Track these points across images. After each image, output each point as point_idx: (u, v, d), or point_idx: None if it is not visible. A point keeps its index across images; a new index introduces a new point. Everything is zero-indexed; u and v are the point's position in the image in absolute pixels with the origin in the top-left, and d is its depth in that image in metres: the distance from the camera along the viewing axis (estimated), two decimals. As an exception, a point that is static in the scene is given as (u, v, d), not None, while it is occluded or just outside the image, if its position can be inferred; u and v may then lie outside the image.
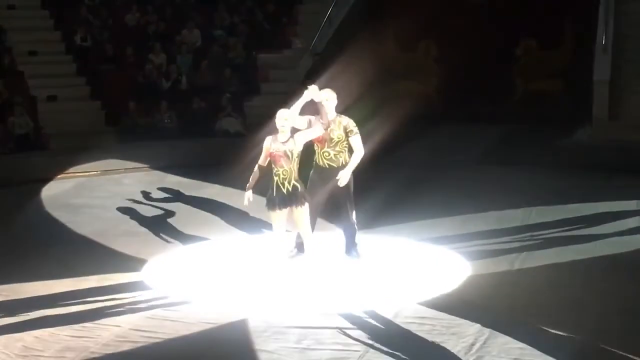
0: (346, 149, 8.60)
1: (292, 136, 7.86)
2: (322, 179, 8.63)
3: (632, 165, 13.07)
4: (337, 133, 8.51)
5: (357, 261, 8.75)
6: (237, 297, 7.86)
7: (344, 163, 8.58)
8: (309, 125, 8.29)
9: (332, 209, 8.80)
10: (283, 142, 7.83)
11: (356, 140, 8.57)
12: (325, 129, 8.27)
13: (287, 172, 7.83)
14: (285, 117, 7.84)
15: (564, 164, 13.57)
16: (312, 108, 8.40)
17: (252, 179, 7.99)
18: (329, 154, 8.52)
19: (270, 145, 7.87)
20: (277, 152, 7.81)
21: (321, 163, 8.66)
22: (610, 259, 8.89)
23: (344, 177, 8.43)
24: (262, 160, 7.97)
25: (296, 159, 7.87)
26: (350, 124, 8.58)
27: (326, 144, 8.53)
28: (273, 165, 7.88)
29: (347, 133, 8.54)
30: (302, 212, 7.93)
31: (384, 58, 18.85)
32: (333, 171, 8.52)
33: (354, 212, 8.83)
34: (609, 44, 15.88)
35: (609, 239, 9.52)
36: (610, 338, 6.68)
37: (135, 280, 8.45)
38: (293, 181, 7.86)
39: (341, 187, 8.51)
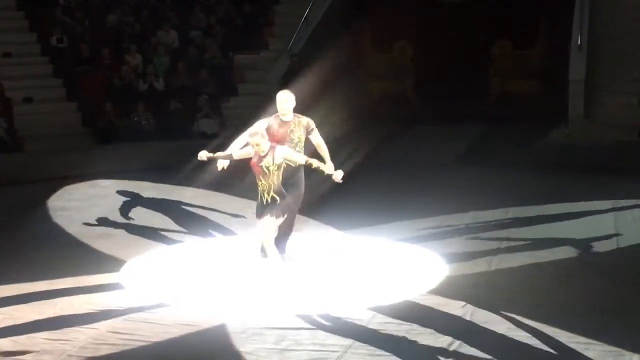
0: (302, 150, 8.49)
1: (272, 148, 7.85)
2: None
3: (607, 164, 13.18)
4: (297, 134, 8.43)
5: (324, 273, 8.51)
6: (215, 298, 7.85)
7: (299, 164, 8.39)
8: (268, 127, 8.29)
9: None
10: (262, 156, 7.85)
11: (317, 135, 8.56)
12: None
13: (265, 185, 7.89)
14: (257, 142, 7.78)
15: (540, 163, 13.64)
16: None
17: (221, 154, 8.13)
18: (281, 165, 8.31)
19: (253, 154, 7.92)
20: (256, 166, 7.87)
21: None
22: (585, 259, 8.95)
23: (338, 173, 8.21)
24: (236, 152, 8.08)
25: (276, 172, 7.86)
26: (310, 122, 8.54)
27: (286, 144, 8.44)
28: (256, 175, 7.95)
29: (308, 132, 8.50)
30: (270, 222, 7.91)
31: (360, 58, 18.90)
32: (291, 171, 8.29)
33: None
34: (584, 43, 15.99)
35: (585, 238, 9.58)
36: (586, 335, 6.71)
37: (112, 282, 8.40)
38: (272, 194, 7.88)
39: (292, 188, 8.35)
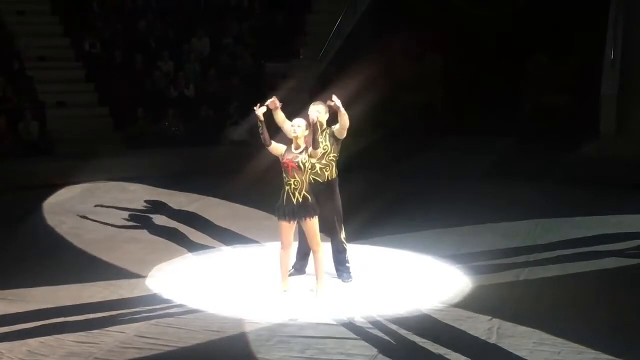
0: (333, 163, 8.36)
1: (307, 148, 7.87)
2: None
3: (639, 180, 13.06)
4: (323, 145, 8.22)
5: (350, 283, 8.49)
6: (242, 306, 7.86)
7: (329, 178, 8.35)
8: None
9: (321, 226, 8.21)
10: (297, 153, 7.86)
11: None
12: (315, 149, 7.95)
13: (298, 183, 7.85)
14: (299, 124, 7.88)
15: (570, 178, 13.55)
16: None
17: (265, 135, 7.86)
18: (315, 168, 8.19)
19: (284, 152, 7.90)
20: (291, 162, 7.83)
21: None
22: (615, 273, 8.89)
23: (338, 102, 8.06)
24: (274, 144, 7.90)
25: (309, 171, 7.90)
26: (334, 127, 8.31)
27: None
28: (285, 175, 7.89)
29: (335, 135, 8.30)
30: (313, 224, 7.94)
31: (391, 69, 18.89)
32: (319, 187, 8.22)
33: (343, 231, 8.56)
34: (618, 58, 15.89)
35: (614, 253, 9.52)
36: (613, 353, 6.66)
37: (140, 287, 8.46)
38: (304, 192, 7.87)
39: (328, 204, 8.32)
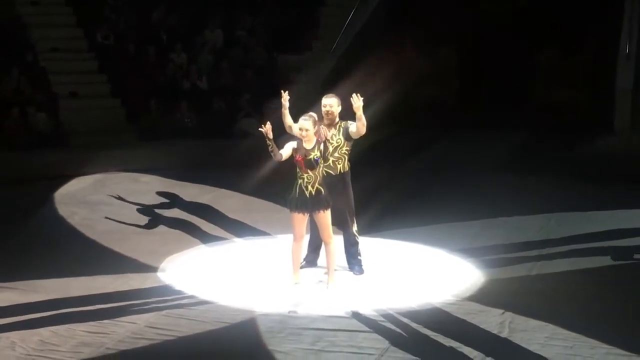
0: (345, 157, 8.38)
1: (319, 142, 7.86)
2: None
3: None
4: (336, 138, 8.28)
5: (361, 276, 8.50)
6: (253, 297, 7.86)
7: (342, 171, 8.37)
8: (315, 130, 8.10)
9: (333, 219, 8.20)
10: (309, 150, 7.85)
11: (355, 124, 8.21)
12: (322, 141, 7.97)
13: (311, 177, 7.88)
14: (307, 127, 7.85)
15: (584, 172, 13.50)
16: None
17: (275, 151, 7.84)
18: (327, 160, 8.19)
19: (296, 149, 7.89)
20: (303, 159, 7.84)
21: None
22: (628, 267, 8.89)
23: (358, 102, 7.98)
24: (284, 154, 7.89)
25: (321, 165, 7.90)
26: (350, 124, 8.29)
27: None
28: (298, 170, 7.91)
29: (348, 131, 8.27)
30: (325, 216, 7.93)
31: (403, 63, 18.83)
32: (331, 179, 8.24)
33: (355, 224, 8.58)
34: (633, 52, 15.80)
35: (628, 247, 9.48)
36: (625, 348, 6.63)
37: (151, 278, 8.47)
38: (317, 185, 7.88)
39: (341, 197, 8.34)
